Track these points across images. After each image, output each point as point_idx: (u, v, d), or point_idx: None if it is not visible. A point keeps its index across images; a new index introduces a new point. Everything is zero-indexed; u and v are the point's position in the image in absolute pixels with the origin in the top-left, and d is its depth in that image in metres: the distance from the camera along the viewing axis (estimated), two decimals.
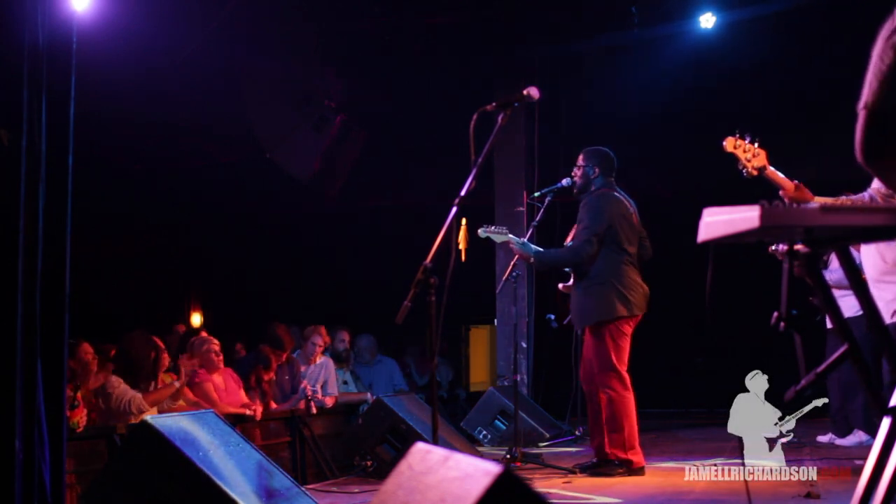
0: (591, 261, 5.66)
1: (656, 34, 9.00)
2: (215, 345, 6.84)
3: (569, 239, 5.90)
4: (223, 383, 6.77)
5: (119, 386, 5.92)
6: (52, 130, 3.27)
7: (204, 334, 7.24)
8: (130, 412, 5.78)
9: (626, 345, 5.67)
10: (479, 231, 5.78)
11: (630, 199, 5.91)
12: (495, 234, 5.84)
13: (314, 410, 7.06)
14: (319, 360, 8.16)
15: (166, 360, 6.53)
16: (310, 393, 7.12)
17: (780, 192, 4.07)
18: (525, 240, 5.94)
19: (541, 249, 5.88)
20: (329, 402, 7.61)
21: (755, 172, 4.05)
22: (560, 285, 6.05)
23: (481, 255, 7.55)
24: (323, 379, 7.96)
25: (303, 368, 7.95)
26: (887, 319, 4.46)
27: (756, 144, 4.07)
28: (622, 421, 5.56)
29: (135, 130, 9.85)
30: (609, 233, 5.68)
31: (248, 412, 6.54)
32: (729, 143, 4.12)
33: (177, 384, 6.04)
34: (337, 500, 5.12)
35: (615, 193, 5.83)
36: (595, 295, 5.64)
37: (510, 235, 5.85)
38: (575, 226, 5.86)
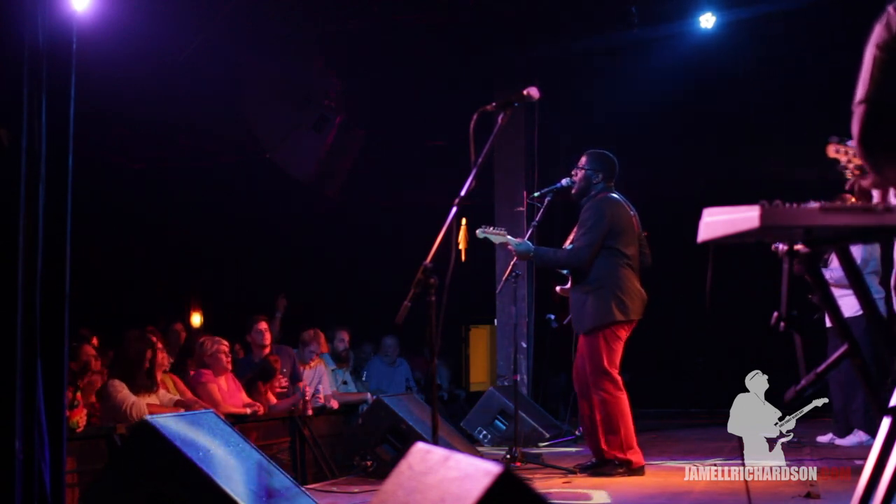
0: (589, 265, 5.66)
1: (656, 34, 8.98)
2: (225, 345, 6.84)
3: (568, 241, 5.88)
4: (226, 384, 6.77)
5: (122, 391, 5.92)
6: (52, 130, 3.26)
7: (211, 337, 7.21)
8: (130, 417, 5.78)
9: (620, 349, 5.67)
10: (478, 232, 5.75)
11: (630, 202, 5.91)
12: (493, 234, 5.82)
13: (310, 412, 7.06)
14: (315, 364, 8.18)
15: (164, 360, 6.51)
16: (308, 395, 7.11)
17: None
18: (523, 239, 5.91)
19: (539, 247, 5.86)
20: (335, 404, 7.60)
21: (857, 172, 4.04)
22: (557, 288, 6.04)
23: (481, 255, 7.55)
24: (317, 381, 7.97)
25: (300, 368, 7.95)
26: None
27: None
28: (617, 422, 5.56)
29: (135, 130, 9.85)
30: (609, 237, 5.67)
31: (249, 411, 6.54)
32: (830, 150, 4.11)
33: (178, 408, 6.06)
34: (337, 500, 5.12)
35: (615, 196, 5.82)
36: (593, 299, 5.63)
37: (508, 237, 5.82)
38: (575, 228, 5.85)
